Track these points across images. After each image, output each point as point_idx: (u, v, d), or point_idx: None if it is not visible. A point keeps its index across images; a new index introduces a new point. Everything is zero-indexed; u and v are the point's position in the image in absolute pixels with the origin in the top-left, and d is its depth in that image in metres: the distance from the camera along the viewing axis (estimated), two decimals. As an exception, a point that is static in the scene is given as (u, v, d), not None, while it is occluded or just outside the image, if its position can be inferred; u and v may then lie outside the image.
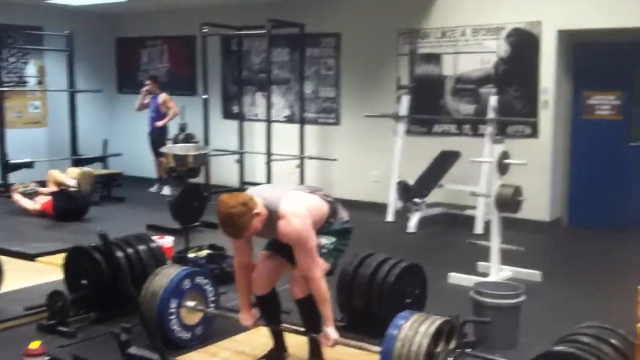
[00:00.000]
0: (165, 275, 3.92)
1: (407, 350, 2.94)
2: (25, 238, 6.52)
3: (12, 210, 7.99)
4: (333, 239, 3.52)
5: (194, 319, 3.98)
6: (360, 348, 3.45)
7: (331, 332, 3.40)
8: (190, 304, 3.93)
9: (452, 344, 3.09)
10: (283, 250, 3.53)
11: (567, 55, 7.66)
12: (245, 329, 4.06)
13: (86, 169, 7.83)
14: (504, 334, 3.97)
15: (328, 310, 3.41)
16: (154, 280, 3.93)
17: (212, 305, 4.05)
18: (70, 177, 7.70)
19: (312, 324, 3.54)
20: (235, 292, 4.37)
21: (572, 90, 7.74)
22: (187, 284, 3.92)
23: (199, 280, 4.00)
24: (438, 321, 3.04)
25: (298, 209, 3.32)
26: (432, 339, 2.96)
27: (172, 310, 3.83)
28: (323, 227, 3.48)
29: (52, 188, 7.65)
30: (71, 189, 7.65)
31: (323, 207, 3.50)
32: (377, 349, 3.11)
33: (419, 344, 2.94)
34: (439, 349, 3.01)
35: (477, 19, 7.88)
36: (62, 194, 7.60)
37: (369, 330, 3.92)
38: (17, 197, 7.97)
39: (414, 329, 3.00)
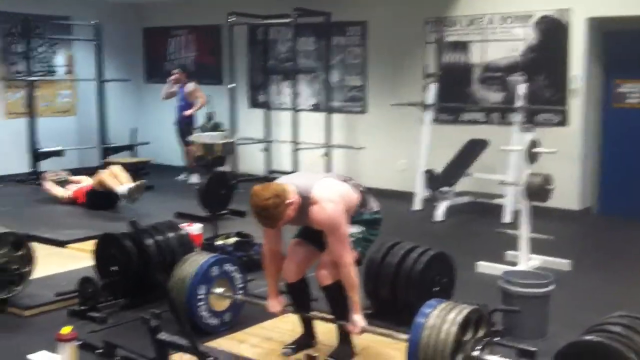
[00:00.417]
0: (194, 262, 3.95)
1: (435, 339, 2.93)
2: (55, 225, 6.60)
3: (43, 198, 8.09)
4: (362, 228, 3.53)
5: (222, 305, 4.01)
6: (387, 336, 3.45)
7: (358, 319, 3.41)
8: (219, 290, 3.95)
9: (481, 333, 3.07)
10: (313, 238, 3.54)
11: (597, 43, 7.54)
12: (272, 315, 4.08)
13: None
14: (533, 323, 3.94)
15: (356, 297, 3.41)
16: (182, 267, 3.96)
17: (240, 292, 4.08)
18: (120, 180, 7.52)
19: (339, 311, 3.55)
20: (262, 279, 4.39)
21: (603, 78, 7.63)
22: (215, 270, 3.94)
23: (227, 267, 4.03)
24: (466, 310, 3.02)
25: (331, 195, 3.34)
26: (460, 327, 2.94)
27: (200, 296, 3.86)
28: (353, 217, 3.49)
29: (95, 184, 7.48)
30: (115, 194, 7.41)
31: (354, 196, 3.50)
32: (405, 337, 3.10)
33: (447, 332, 2.93)
34: (467, 338, 2.99)
35: (506, 7, 7.79)
36: (102, 194, 7.50)
37: (397, 318, 3.92)
38: (48, 185, 8.06)
39: (442, 317, 2.99)
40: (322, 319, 3.68)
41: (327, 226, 3.33)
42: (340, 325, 3.55)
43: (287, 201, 3.25)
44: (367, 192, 3.62)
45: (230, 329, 4.01)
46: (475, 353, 3.00)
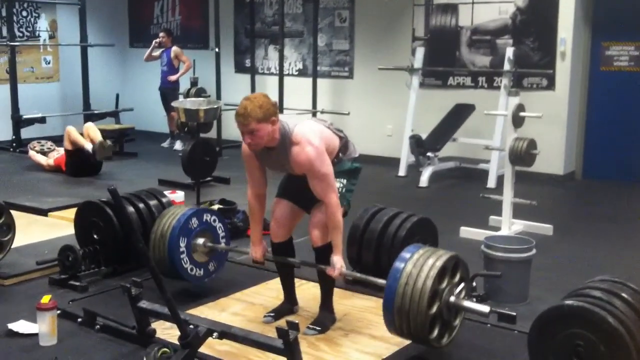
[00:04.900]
0: (173, 216, 3.88)
1: (412, 287, 2.89)
2: (38, 193, 6.55)
3: (26, 166, 8.02)
4: (344, 181, 3.49)
5: (205, 256, 3.94)
6: (366, 281, 3.43)
7: (338, 260, 3.36)
8: (200, 241, 3.88)
9: (457, 278, 3.04)
10: (295, 196, 3.53)
11: (586, 4, 7.47)
12: (255, 282, 4.10)
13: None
14: (514, 287, 3.94)
15: (338, 239, 3.36)
16: (162, 221, 3.88)
17: (222, 240, 4.01)
18: (87, 137, 7.55)
19: (325, 275, 3.51)
20: (246, 246, 4.38)
21: (590, 40, 7.57)
22: (195, 222, 3.87)
23: (207, 217, 3.95)
24: (444, 257, 2.99)
25: (311, 136, 3.30)
26: (437, 276, 2.90)
27: (182, 249, 3.81)
28: (334, 165, 3.43)
29: (67, 146, 7.56)
30: (86, 151, 7.55)
31: (335, 140, 3.47)
32: (383, 282, 3.07)
33: (424, 281, 2.88)
34: (443, 285, 2.96)
35: (495, -32, 7.69)
36: (75, 153, 7.53)
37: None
38: (31, 153, 8.00)
39: (420, 265, 2.94)
40: (303, 263, 3.61)
41: (307, 167, 3.26)
42: (320, 271, 3.48)
43: (273, 116, 3.21)
44: (347, 138, 3.58)
45: (213, 295, 3.99)
46: (452, 299, 2.98)
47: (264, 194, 3.57)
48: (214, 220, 3.99)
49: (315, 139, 3.30)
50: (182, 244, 3.82)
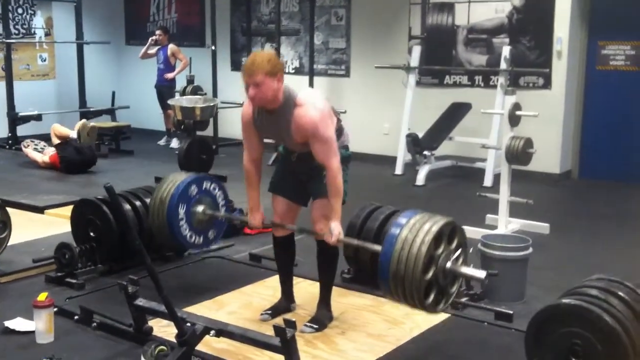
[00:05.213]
0: (173, 182, 3.81)
1: (408, 250, 2.84)
2: (34, 190, 6.54)
3: (21, 163, 8.01)
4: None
5: (205, 223, 3.89)
6: (363, 247, 3.42)
7: (335, 227, 3.31)
8: (199, 208, 3.82)
9: (454, 244, 3.01)
10: (291, 192, 3.54)
11: (583, 3, 7.48)
12: (252, 280, 4.10)
13: (92, 123, 7.77)
14: (511, 286, 3.95)
15: (338, 204, 3.31)
16: (161, 188, 3.82)
17: (222, 208, 3.95)
18: (75, 127, 7.70)
19: (327, 270, 3.53)
20: (242, 244, 4.39)
21: (587, 39, 7.58)
22: (194, 189, 3.80)
23: (207, 184, 3.88)
24: (441, 221, 2.95)
25: (316, 100, 3.30)
26: (432, 241, 2.85)
27: (181, 216, 3.75)
28: None
29: (55, 141, 7.64)
30: (73, 141, 7.62)
31: (333, 118, 3.44)
32: (378, 247, 3.04)
33: (419, 244, 2.85)
34: (439, 251, 2.92)
35: (492, -34, 7.70)
36: (66, 146, 7.58)
37: (377, 282, 3.91)
38: (27, 150, 8.00)
39: (415, 230, 2.91)
40: (301, 230, 3.58)
41: (312, 129, 3.23)
42: (318, 240, 3.46)
43: (280, 72, 3.20)
44: (342, 123, 3.56)
45: (210, 293, 3.98)
46: (449, 265, 2.94)
47: (260, 158, 3.56)
48: (214, 188, 3.91)
49: (319, 102, 3.30)
50: (182, 211, 3.76)
